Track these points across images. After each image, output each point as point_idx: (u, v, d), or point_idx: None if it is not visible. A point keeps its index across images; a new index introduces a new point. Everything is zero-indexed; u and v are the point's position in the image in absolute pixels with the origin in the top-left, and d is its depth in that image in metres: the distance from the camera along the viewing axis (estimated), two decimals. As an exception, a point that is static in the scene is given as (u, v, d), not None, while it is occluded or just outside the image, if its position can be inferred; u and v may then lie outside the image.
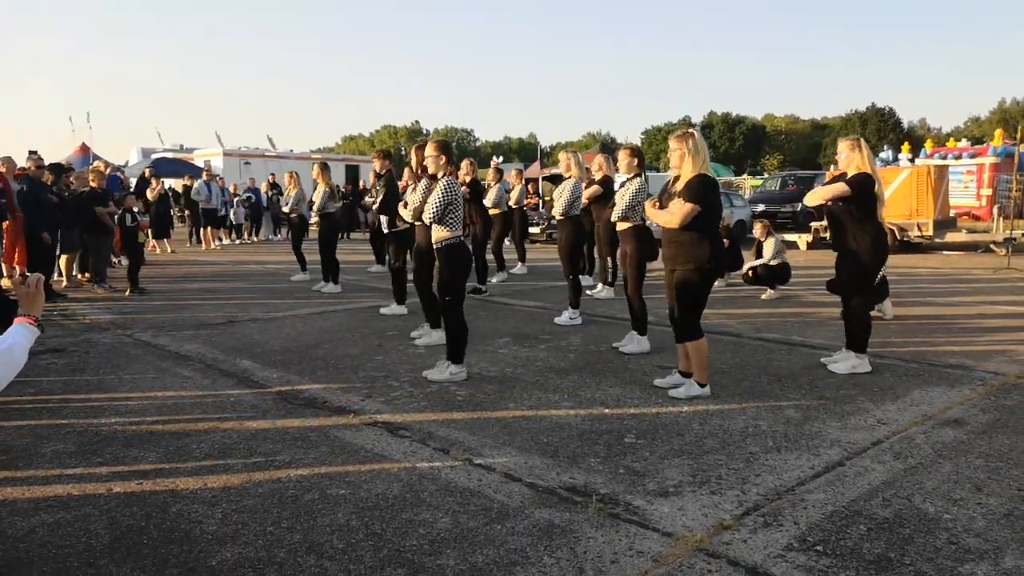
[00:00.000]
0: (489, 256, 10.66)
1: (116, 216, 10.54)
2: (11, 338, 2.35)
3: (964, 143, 28.10)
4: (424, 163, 5.60)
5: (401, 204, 6.43)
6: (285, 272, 12.06)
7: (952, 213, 18.02)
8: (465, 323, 5.38)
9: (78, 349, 6.53)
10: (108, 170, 13.76)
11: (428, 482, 3.51)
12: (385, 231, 8.34)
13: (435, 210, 5.24)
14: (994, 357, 5.89)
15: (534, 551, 2.84)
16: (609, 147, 37.16)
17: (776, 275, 9.42)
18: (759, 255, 9.65)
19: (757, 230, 9.92)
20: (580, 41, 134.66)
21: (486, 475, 3.60)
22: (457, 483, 3.50)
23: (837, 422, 4.34)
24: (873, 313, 7.39)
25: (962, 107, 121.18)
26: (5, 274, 10.05)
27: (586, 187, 8.15)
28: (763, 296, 9.31)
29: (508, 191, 13.32)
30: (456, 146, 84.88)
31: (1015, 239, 14.08)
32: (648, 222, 5.83)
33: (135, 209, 10.71)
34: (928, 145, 27.98)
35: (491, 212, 10.95)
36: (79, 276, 11.32)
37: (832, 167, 5.94)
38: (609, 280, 9.49)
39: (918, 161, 23.77)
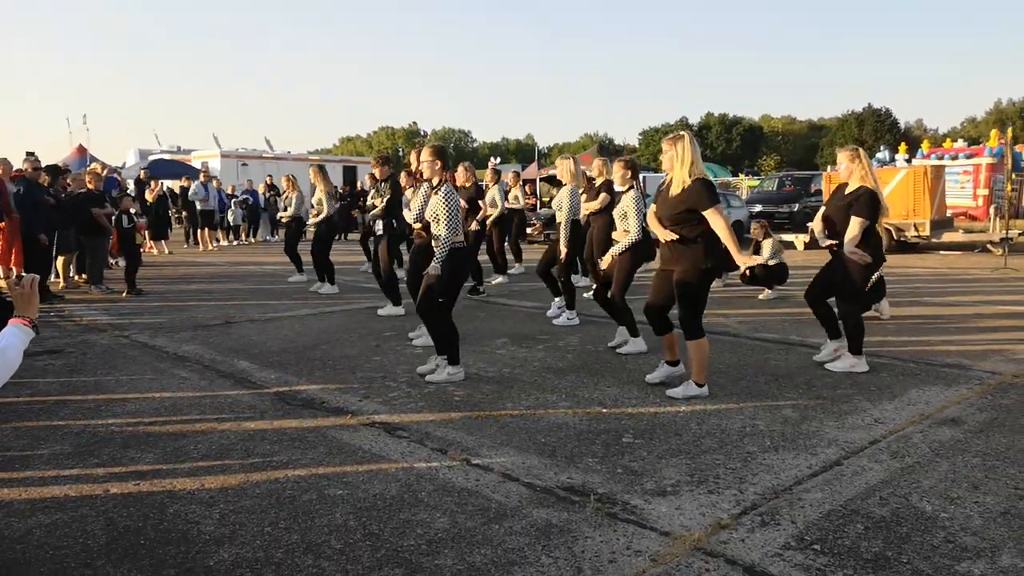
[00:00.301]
0: (483, 257, 10.66)
1: (113, 217, 10.53)
2: (5, 340, 2.34)
3: (960, 144, 28.18)
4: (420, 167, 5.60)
5: (406, 211, 6.43)
6: (282, 273, 12.05)
7: (949, 213, 18.05)
8: (453, 325, 5.37)
9: (75, 350, 6.52)
10: (105, 171, 13.74)
11: (426, 482, 3.51)
12: (379, 232, 8.35)
13: (450, 223, 5.20)
14: (991, 356, 5.91)
15: (532, 551, 2.84)
16: (607, 148, 37.23)
17: (773, 275, 9.43)
18: (757, 255, 9.65)
19: (755, 230, 9.94)
20: (578, 42, 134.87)
21: (484, 475, 3.60)
22: (455, 483, 3.50)
23: (834, 421, 4.34)
24: (870, 313, 7.44)
25: (959, 108, 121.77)
26: (1, 276, 10.04)
27: (584, 192, 8.15)
28: (761, 296, 9.33)
29: (506, 192, 13.33)
30: (454, 147, 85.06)
31: (1011, 239, 14.11)
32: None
33: (132, 210, 10.69)
34: (925, 146, 28.03)
35: (488, 213, 10.94)
36: (76, 277, 11.30)
37: (829, 168, 5.96)
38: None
39: (915, 162, 23.84)
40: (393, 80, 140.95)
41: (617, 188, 6.56)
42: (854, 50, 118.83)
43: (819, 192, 20.09)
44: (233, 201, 20.39)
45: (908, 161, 24.00)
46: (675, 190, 4.80)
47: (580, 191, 7.83)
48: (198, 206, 18.53)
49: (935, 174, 16.22)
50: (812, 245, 15.77)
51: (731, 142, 65.28)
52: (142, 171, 19.71)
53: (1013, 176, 18.77)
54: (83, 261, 11.12)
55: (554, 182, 8.56)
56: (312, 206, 10.41)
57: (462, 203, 6.06)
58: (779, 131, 72.84)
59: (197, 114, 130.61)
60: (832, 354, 5.74)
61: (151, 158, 29.21)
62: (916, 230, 15.36)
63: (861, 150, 5.62)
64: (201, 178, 19.00)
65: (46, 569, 2.76)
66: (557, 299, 7.79)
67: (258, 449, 4.00)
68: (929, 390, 4.98)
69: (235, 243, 20.52)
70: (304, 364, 5.93)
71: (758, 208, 20.31)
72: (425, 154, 5.43)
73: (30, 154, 10.12)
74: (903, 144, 28.29)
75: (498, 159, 32.91)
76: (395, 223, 8.22)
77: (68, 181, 11.00)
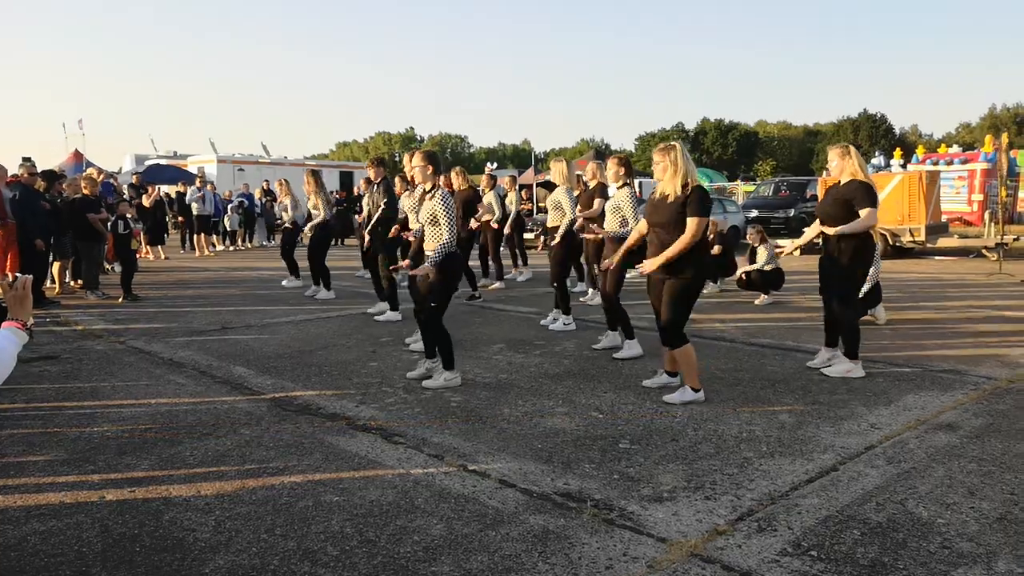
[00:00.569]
0: (475, 263, 10.67)
1: (109, 223, 10.51)
2: None
3: (955, 149, 28.31)
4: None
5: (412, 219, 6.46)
6: (279, 278, 12.03)
7: (944, 218, 18.11)
8: (446, 330, 5.37)
9: (71, 356, 6.50)
10: (101, 177, 13.71)
11: (422, 489, 3.51)
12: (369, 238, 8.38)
13: (449, 228, 5.20)
14: (986, 361, 5.92)
15: (528, 557, 2.84)
16: (603, 153, 37.28)
17: (770, 280, 9.45)
18: (752, 260, 9.69)
19: (751, 236, 9.96)
20: (574, 48, 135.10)
21: (480, 481, 3.59)
22: (451, 489, 3.49)
23: (831, 427, 4.35)
24: (866, 318, 7.44)
25: (953, 113, 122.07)
26: (-3, 281, 10.00)
27: (578, 194, 8.18)
28: (757, 301, 9.34)
29: (503, 197, 13.34)
30: (450, 152, 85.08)
31: (1006, 244, 14.16)
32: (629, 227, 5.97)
33: (128, 216, 10.67)
34: (920, 151, 28.15)
35: (484, 219, 10.96)
36: (72, 283, 11.28)
37: (824, 173, 5.96)
38: (598, 285, 9.50)
39: (910, 167, 23.95)
40: (389, 85, 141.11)
41: (612, 185, 6.60)
42: (849, 56, 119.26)
43: (814, 197, 20.13)
44: (229, 206, 20.38)
45: (903, 166, 24.11)
46: (669, 197, 4.84)
47: (576, 193, 7.86)
48: (194, 211, 18.51)
49: (930, 179, 16.29)
50: (808, 250, 15.83)
51: (727, 147, 65.41)
52: (134, 176, 19.69)
53: (1008, 181, 18.82)
54: (79, 267, 11.10)
55: (550, 187, 8.56)
56: (308, 211, 10.41)
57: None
58: (775, 136, 72.98)
59: (193, 119, 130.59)
60: (825, 361, 5.75)
61: (147, 163, 29.21)
62: (911, 235, 15.41)
63: (851, 147, 5.63)
64: (197, 183, 18.98)
65: (41, 577, 2.75)
66: (555, 311, 7.79)
67: (254, 455, 3.99)
68: (925, 395, 4.99)
69: (231, 248, 20.49)
70: (300, 370, 5.92)
71: (754, 213, 20.36)
72: (416, 159, 5.43)
73: (26, 159, 10.11)
74: (898, 149, 28.41)
75: (495, 164, 32.90)
76: (381, 229, 8.24)
77: (64, 186, 10.98)
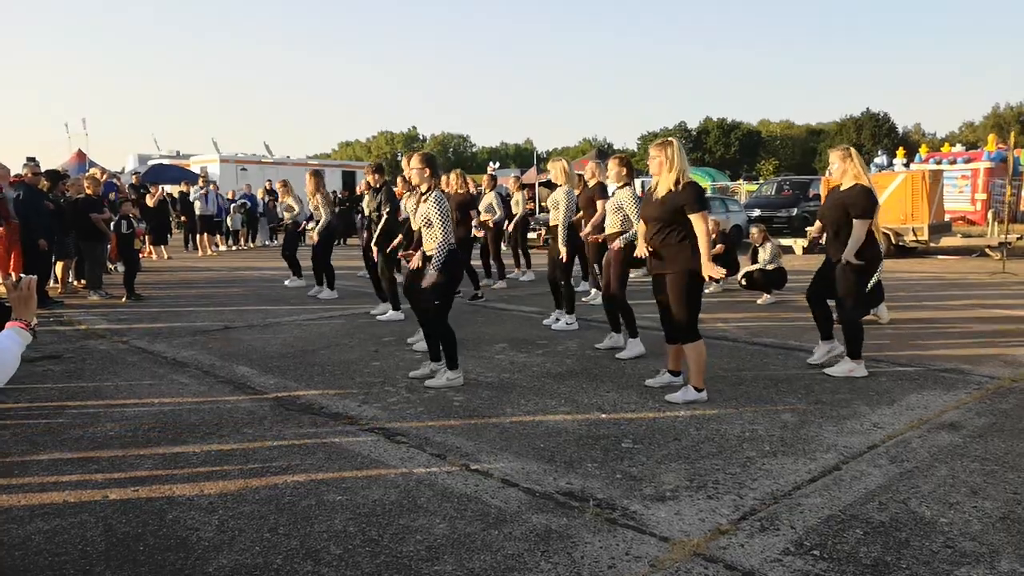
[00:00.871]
0: (476, 262, 10.67)
1: (112, 223, 10.53)
2: (1, 343, 2.33)
3: (959, 148, 28.27)
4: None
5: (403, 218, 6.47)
6: (282, 278, 12.04)
7: (947, 218, 18.08)
8: (451, 328, 5.38)
9: (74, 356, 6.52)
10: (104, 177, 13.73)
11: (425, 488, 3.51)
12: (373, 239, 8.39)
13: (443, 230, 5.22)
14: (989, 361, 5.91)
15: (531, 556, 2.84)
16: (605, 153, 37.28)
17: (772, 280, 9.44)
18: (755, 260, 9.68)
19: (753, 235, 9.95)
20: (577, 47, 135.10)
21: (483, 481, 3.60)
22: (454, 489, 3.50)
23: (833, 426, 4.35)
24: (869, 318, 7.44)
25: (956, 112, 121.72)
26: (0, 281, 10.04)
27: (578, 193, 8.19)
28: (759, 301, 9.33)
29: (507, 197, 13.35)
30: (452, 152, 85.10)
31: (1010, 243, 14.13)
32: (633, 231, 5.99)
33: (131, 216, 10.69)
34: (923, 150, 28.10)
35: (483, 218, 10.95)
36: (75, 283, 11.30)
37: (828, 172, 5.96)
38: (600, 285, 9.50)
39: (913, 166, 23.92)
40: (392, 85, 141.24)
41: (613, 185, 6.60)
42: (852, 55, 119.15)
43: (817, 196, 20.12)
44: (232, 206, 20.41)
45: (906, 165, 24.08)
46: (662, 192, 4.86)
47: (576, 192, 7.86)
48: (197, 211, 18.54)
49: (933, 178, 16.26)
50: (810, 249, 15.82)
51: (729, 147, 65.38)
52: (134, 176, 19.72)
53: (1012, 180, 18.78)
54: (82, 266, 11.12)
55: (552, 187, 8.54)
56: (312, 215, 10.42)
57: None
58: (777, 136, 72.91)
59: (196, 119, 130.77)
60: (824, 356, 5.76)
61: (150, 163, 29.25)
62: (914, 234, 15.38)
63: (852, 149, 5.63)
64: (200, 183, 19.01)
65: (45, 575, 2.75)
66: (557, 311, 7.79)
67: (257, 455, 4.00)
68: (928, 395, 4.98)
69: (234, 248, 20.52)
70: (303, 369, 5.93)
71: (756, 213, 20.33)
72: (414, 162, 5.45)
73: (30, 159, 10.13)
74: (901, 148, 28.39)
75: (497, 164, 32.95)
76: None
77: (67, 186, 11.01)
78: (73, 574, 2.76)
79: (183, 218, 19.74)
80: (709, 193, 24.66)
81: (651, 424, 4.44)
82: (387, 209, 8.27)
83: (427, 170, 5.37)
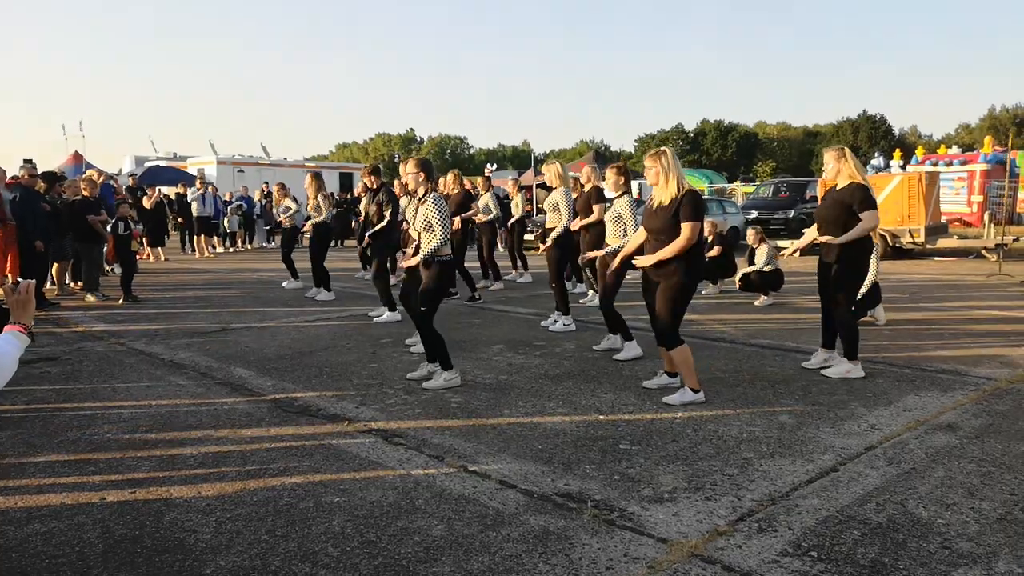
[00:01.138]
0: (473, 264, 10.67)
1: (109, 225, 10.52)
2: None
3: (955, 150, 28.36)
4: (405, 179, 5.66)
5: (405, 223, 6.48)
6: (279, 280, 12.04)
7: (943, 219, 18.13)
8: (437, 332, 5.37)
9: (71, 358, 6.51)
10: (101, 178, 13.72)
11: (423, 489, 3.51)
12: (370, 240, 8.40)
13: (443, 232, 5.23)
14: (986, 362, 5.93)
15: (529, 558, 2.84)
16: (602, 155, 37.32)
17: (769, 281, 9.46)
18: (752, 262, 9.70)
19: (750, 237, 9.97)
20: (574, 49, 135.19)
21: (481, 482, 3.60)
22: (452, 490, 3.50)
23: (831, 427, 4.35)
24: (866, 319, 7.46)
25: (953, 114, 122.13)
26: (-2, 283, 10.01)
27: (576, 196, 8.21)
28: (756, 302, 9.34)
29: (505, 199, 13.36)
30: (450, 154, 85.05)
31: (1006, 245, 14.17)
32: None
33: (128, 217, 10.68)
34: (919, 152, 28.19)
35: (478, 219, 10.95)
36: (72, 285, 11.28)
37: (824, 174, 5.95)
38: (596, 287, 9.52)
39: (909, 168, 23.99)
40: (389, 87, 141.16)
41: (610, 194, 6.61)
42: (849, 57, 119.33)
43: (814, 198, 20.16)
44: (229, 208, 20.40)
45: (903, 167, 24.15)
46: (664, 201, 4.87)
47: (573, 195, 7.88)
48: (194, 212, 18.52)
49: (930, 180, 16.31)
50: (808, 251, 15.87)
51: (726, 148, 65.45)
52: (131, 178, 19.69)
53: (1010, 183, 18.84)
54: (79, 268, 11.11)
55: (549, 189, 8.56)
56: (309, 213, 10.42)
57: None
58: (774, 137, 73.03)
59: (193, 121, 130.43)
60: (820, 363, 5.76)
61: (147, 165, 29.20)
62: (911, 236, 15.43)
63: (847, 149, 5.64)
64: (197, 185, 18.99)
65: (42, 578, 2.75)
66: (556, 313, 7.80)
67: (255, 456, 4.00)
68: (925, 396, 4.99)
69: (231, 250, 20.50)
70: (301, 371, 5.93)
71: (753, 214, 20.38)
72: (409, 167, 5.49)
73: (28, 161, 10.12)
74: (898, 150, 28.47)
75: (494, 166, 33.00)
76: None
77: (64, 188, 10.99)
78: (70, 576, 2.76)
79: (180, 220, 19.72)
80: (706, 195, 24.73)
81: (649, 425, 4.45)
82: (389, 211, 8.28)
83: (422, 174, 5.41)
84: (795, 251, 6.29)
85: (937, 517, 3.15)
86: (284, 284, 11.54)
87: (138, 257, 12.77)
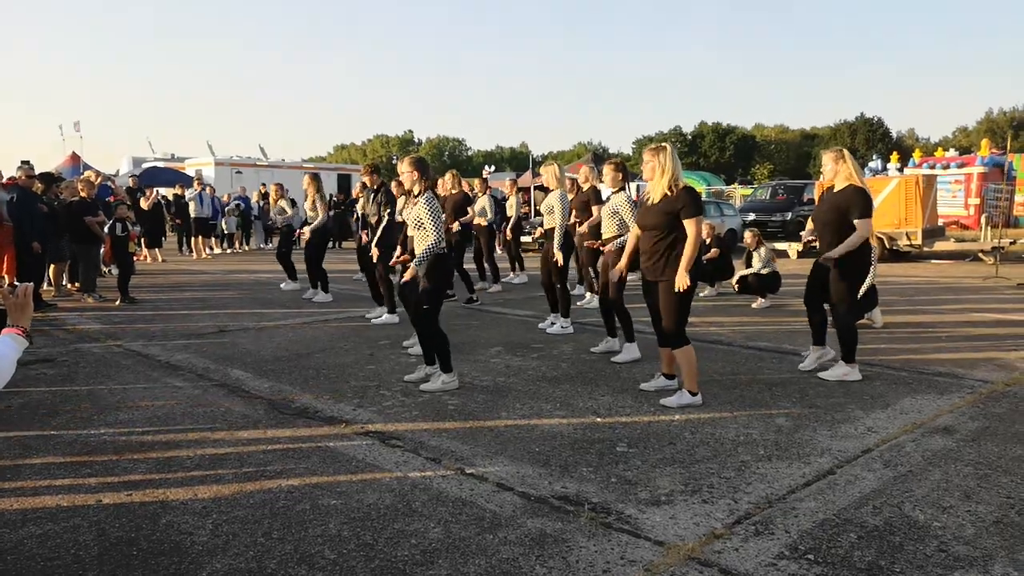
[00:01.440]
0: (471, 266, 10.67)
1: (107, 226, 10.50)
2: None
3: (952, 153, 28.42)
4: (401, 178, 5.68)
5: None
6: (276, 281, 12.03)
7: (940, 222, 18.16)
8: (442, 331, 5.38)
9: (68, 359, 6.49)
10: (98, 179, 13.70)
11: (420, 492, 3.51)
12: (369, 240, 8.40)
13: (435, 231, 5.23)
14: (983, 365, 5.94)
15: (526, 560, 2.84)
16: (600, 156, 37.36)
17: (767, 284, 9.47)
18: (749, 264, 9.70)
19: (748, 239, 9.98)
20: (572, 51, 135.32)
21: (478, 485, 3.60)
22: (449, 493, 3.50)
23: (827, 430, 4.36)
24: (863, 322, 7.46)
25: (950, 117, 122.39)
26: (-6, 284, 9.97)
27: (572, 197, 8.21)
28: (754, 305, 9.35)
29: (503, 200, 13.37)
30: (448, 155, 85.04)
31: (1003, 248, 14.20)
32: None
33: (126, 218, 10.67)
34: (916, 155, 28.25)
35: (476, 222, 10.94)
36: (69, 286, 11.27)
37: (822, 177, 5.97)
38: (596, 289, 9.52)
39: (907, 171, 24.03)
40: (388, 88, 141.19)
41: (608, 190, 6.62)
42: (846, 59, 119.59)
43: (812, 201, 20.18)
44: (226, 209, 20.38)
45: (900, 170, 24.19)
46: (657, 198, 4.87)
47: (570, 196, 7.88)
48: (192, 213, 18.50)
49: (927, 183, 16.34)
50: (805, 253, 15.87)
51: (724, 151, 65.53)
52: (131, 179, 19.68)
53: (1004, 185, 18.88)
54: (76, 269, 11.09)
55: (547, 191, 8.56)
56: (307, 214, 10.41)
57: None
58: (772, 140, 73.15)
59: (191, 122, 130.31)
60: (815, 362, 5.77)
61: (145, 166, 29.14)
62: (908, 239, 15.46)
63: (845, 151, 5.65)
64: (195, 186, 18.97)
65: (38, 580, 2.74)
66: (553, 315, 7.80)
67: (251, 459, 3.99)
68: (921, 399, 5.00)
69: (228, 251, 20.48)
70: (298, 373, 5.92)
71: (751, 217, 20.39)
72: (404, 165, 5.52)
73: (25, 162, 10.10)
74: (895, 153, 28.51)
75: (492, 167, 32.95)
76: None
77: (61, 189, 10.98)
78: (66, 579, 2.75)
79: (178, 221, 19.70)
80: (704, 197, 24.73)
81: (646, 428, 4.45)
82: (387, 211, 8.28)
83: (416, 173, 5.42)
84: (806, 243, 6.29)
85: (933, 520, 3.15)
86: (282, 285, 11.53)
87: (135, 258, 12.76)
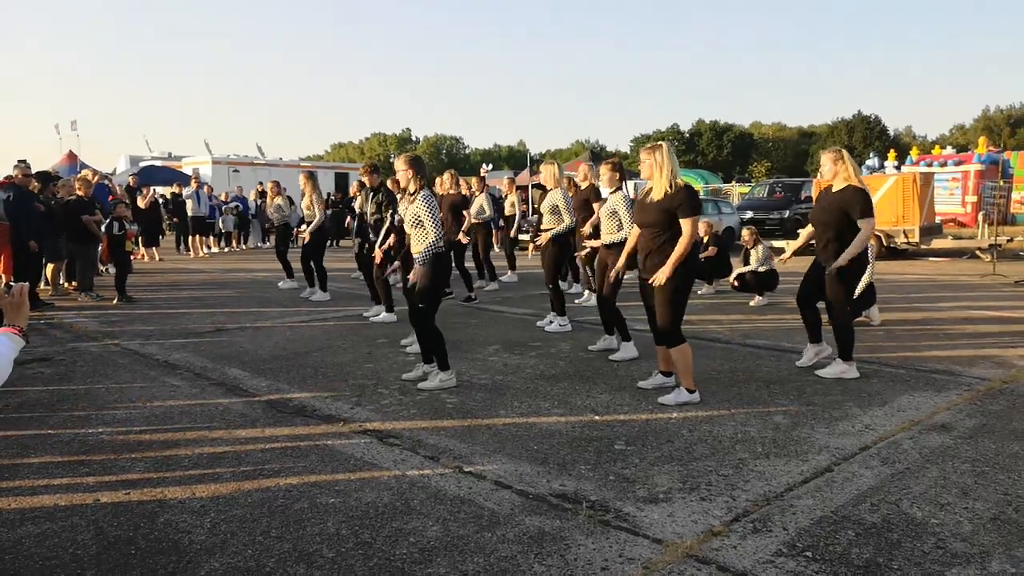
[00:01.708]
0: (469, 264, 10.67)
1: (104, 225, 10.49)
2: None
3: (949, 150, 28.47)
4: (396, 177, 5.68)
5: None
6: (274, 280, 12.02)
7: (938, 220, 18.18)
8: (438, 329, 5.38)
9: (65, 358, 6.48)
10: (96, 178, 13.67)
11: (418, 490, 3.51)
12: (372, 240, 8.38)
13: (434, 229, 5.23)
14: (980, 362, 5.95)
15: (524, 559, 2.84)
16: (598, 155, 37.34)
17: (764, 282, 9.47)
18: (747, 262, 9.71)
19: (745, 237, 9.98)
20: (570, 49, 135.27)
21: (476, 483, 3.60)
22: (447, 491, 3.50)
23: (825, 428, 4.36)
24: (860, 319, 7.47)
25: (947, 115, 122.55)
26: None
27: (571, 196, 8.21)
28: (751, 303, 9.36)
29: (501, 199, 13.36)
30: (446, 154, 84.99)
31: (1000, 245, 14.22)
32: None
33: (123, 217, 10.65)
34: (914, 152, 28.28)
35: (473, 222, 10.93)
36: (66, 285, 11.24)
37: (819, 175, 5.99)
38: (593, 287, 9.52)
39: (904, 168, 24.07)
40: (385, 87, 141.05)
41: (605, 190, 6.62)
42: (844, 57, 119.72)
43: (809, 199, 20.20)
44: (224, 208, 20.35)
45: (897, 168, 24.22)
46: (657, 196, 4.87)
47: (570, 194, 7.88)
48: (189, 211, 18.47)
49: (924, 181, 16.36)
50: (802, 251, 15.90)
51: (722, 149, 65.58)
52: (131, 177, 19.64)
53: (1001, 183, 18.91)
54: (73, 268, 11.07)
55: (544, 189, 8.56)
56: (303, 212, 10.40)
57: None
58: (769, 138, 73.18)
59: (188, 121, 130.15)
60: (812, 359, 5.78)
61: (142, 164, 29.09)
62: (905, 236, 15.47)
63: (844, 151, 5.66)
64: (192, 185, 18.94)
65: (35, 579, 2.74)
66: (551, 314, 7.80)
67: (249, 457, 3.99)
68: (919, 396, 5.00)
69: (226, 250, 20.46)
70: (296, 371, 5.91)
71: (749, 215, 20.40)
72: (399, 164, 5.52)
73: (22, 162, 10.06)
74: (892, 151, 28.57)
75: (490, 166, 32.93)
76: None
77: (58, 188, 10.95)
78: (64, 578, 2.75)
79: (175, 220, 19.67)
80: (702, 195, 24.74)
81: (644, 426, 4.45)
82: (390, 212, 8.27)
83: (411, 171, 5.42)
84: (791, 255, 6.31)
85: (931, 517, 3.16)
86: (280, 284, 11.52)
87: (133, 257, 12.74)
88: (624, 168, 6.84)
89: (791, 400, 4.96)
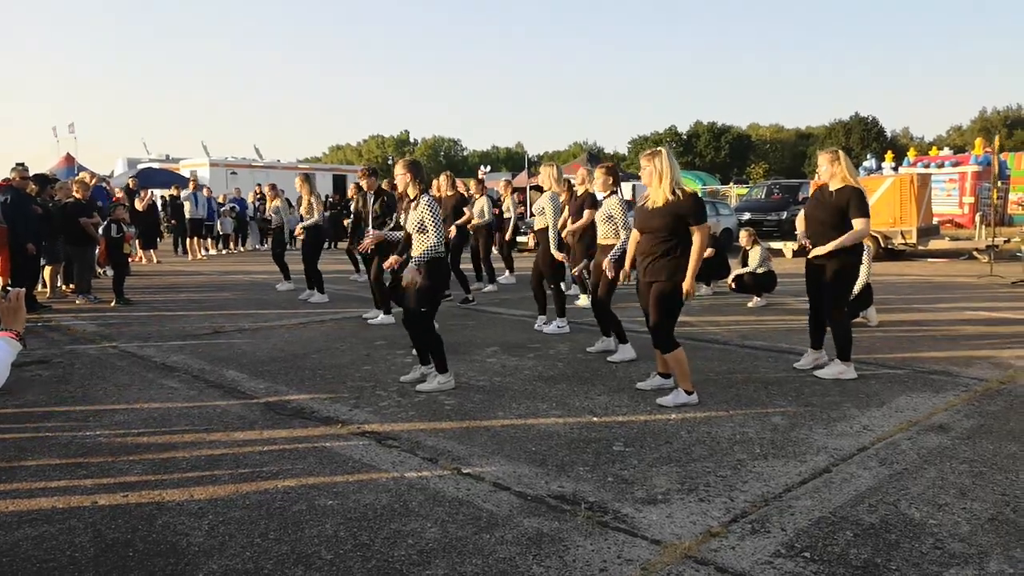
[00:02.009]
0: (467, 266, 10.68)
1: (101, 227, 10.47)
2: None
3: (946, 152, 28.51)
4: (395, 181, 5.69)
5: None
6: (272, 282, 12.02)
7: (935, 221, 18.22)
8: (436, 333, 5.38)
9: (63, 360, 6.47)
10: (93, 181, 13.65)
11: (416, 492, 3.51)
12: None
13: (436, 233, 5.24)
14: (977, 363, 5.95)
15: (523, 560, 2.84)
16: (596, 156, 37.36)
17: (762, 283, 9.48)
18: (745, 263, 9.72)
19: (743, 238, 9.99)
20: (568, 51, 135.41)
21: (475, 484, 3.59)
22: (445, 493, 3.49)
23: (823, 429, 4.37)
24: (858, 320, 7.48)
25: (944, 116, 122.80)
26: (-12, 288, 9.95)
27: (564, 199, 8.22)
28: (749, 304, 9.37)
29: (499, 200, 13.37)
30: (444, 156, 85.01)
31: (997, 246, 14.24)
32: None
33: (121, 219, 10.64)
34: (911, 154, 28.32)
35: (474, 223, 10.93)
36: (63, 287, 11.23)
37: (817, 176, 6.00)
38: (589, 289, 9.52)
39: (901, 170, 24.11)
40: (383, 89, 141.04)
41: (600, 194, 6.62)
42: (841, 59, 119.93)
43: (807, 200, 20.24)
44: (222, 210, 20.34)
45: (895, 169, 24.27)
46: (659, 202, 4.87)
47: (561, 197, 7.88)
48: (187, 214, 18.45)
49: (921, 182, 16.40)
50: (800, 253, 15.92)
51: (720, 150, 65.61)
52: (130, 180, 19.63)
53: (999, 184, 18.94)
54: (71, 271, 11.05)
55: (542, 191, 8.59)
56: (302, 216, 10.39)
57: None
58: (767, 139, 73.26)
59: (186, 123, 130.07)
60: (811, 364, 5.79)
61: (139, 167, 29.07)
62: (903, 238, 15.50)
63: (841, 152, 5.68)
64: (190, 187, 18.93)
65: (33, 582, 2.73)
66: (542, 317, 7.80)
67: (247, 459, 3.98)
68: (917, 397, 5.01)
69: (224, 252, 20.44)
70: (294, 373, 5.91)
71: (746, 216, 20.41)
72: (398, 168, 5.56)
73: (19, 164, 10.06)
74: (890, 152, 28.63)
75: (488, 168, 32.92)
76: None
77: (55, 190, 10.94)
78: (62, 580, 2.74)
79: (173, 222, 19.66)
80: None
81: (642, 427, 4.45)
82: (390, 217, 8.27)
83: (409, 175, 5.43)
84: (800, 246, 6.30)
85: (929, 518, 3.16)
86: (278, 286, 11.52)
87: (130, 259, 12.72)
88: (618, 172, 6.86)
89: (789, 401, 4.96)
